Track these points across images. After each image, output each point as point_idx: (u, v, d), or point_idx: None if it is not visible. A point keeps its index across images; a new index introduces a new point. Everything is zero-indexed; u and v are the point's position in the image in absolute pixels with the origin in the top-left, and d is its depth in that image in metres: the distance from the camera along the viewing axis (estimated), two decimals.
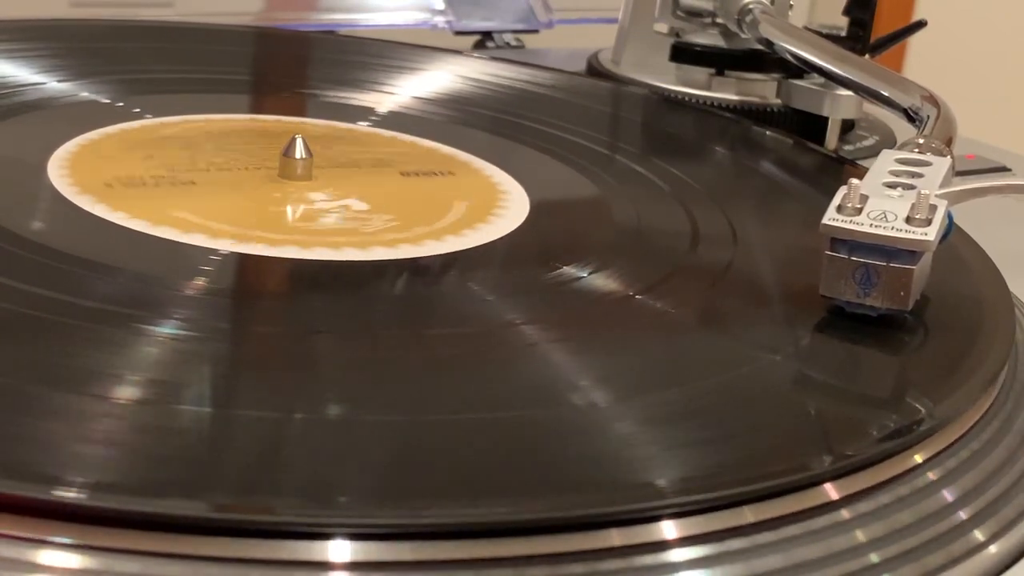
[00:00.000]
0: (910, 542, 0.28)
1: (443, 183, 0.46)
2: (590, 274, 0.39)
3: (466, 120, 0.54)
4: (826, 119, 0.57)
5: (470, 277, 0.39)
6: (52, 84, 0.51)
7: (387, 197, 0.44)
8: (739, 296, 0.39)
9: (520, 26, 0.78)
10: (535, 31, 0.79)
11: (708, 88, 0.61)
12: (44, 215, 0.40)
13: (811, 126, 0.58)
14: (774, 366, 0.34)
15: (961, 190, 0.40)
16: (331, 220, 0.41)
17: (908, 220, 0.35)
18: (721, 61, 0.61)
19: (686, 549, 0.26)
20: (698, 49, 0.61)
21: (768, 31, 0.58)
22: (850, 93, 0.56)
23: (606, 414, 0.31)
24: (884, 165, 0.40)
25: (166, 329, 0.32)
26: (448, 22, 0.76)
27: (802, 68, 0.58)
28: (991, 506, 0.30)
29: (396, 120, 0.53)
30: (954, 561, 0.28)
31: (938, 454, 0.31)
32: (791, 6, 0.63)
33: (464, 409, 0.30)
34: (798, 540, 0.27)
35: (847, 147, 0.59)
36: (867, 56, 0.61)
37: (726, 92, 0.60)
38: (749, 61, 0.60)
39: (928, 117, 0.47)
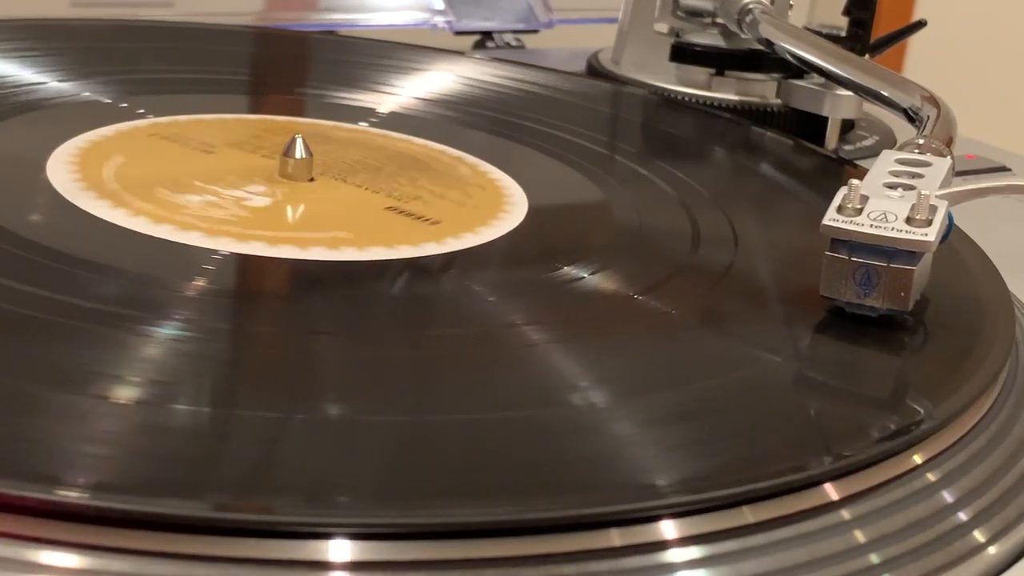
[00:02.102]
0: (910, 543, 0.28)
1: (442, 184, 0.46)
2: (590, 275, 0.39)
3: (466, 120, 0.54)
4: (826, 119, 0.57)
5: (470, 277, 0.39)
6: (52, 84, 0.51)
7: (386, 197, 0.44)
8: (739, 297, 0.39)
9: (520, 26, 0.78)
10: (535, 31, 0.79)
11: (708, 88, 0.61)
12: (44, 215, 0.40)
13: (811, 126, 0.58)
14: (774, 367, 0.34)
15: (961, 190, 0.40)
16: (330, 220, 0.41)
17: (908, 221, 0.35)
18: (721, 61, 0.61)
19: (686, 549, 0.26)
20: (698, 49, 0.61)
21: (768, 31, 0.58)
22: (850, 93, 0.56)
23: (606, 414, 0.31)
24: (884, 166, 0.40)
25: (166, 329, 0.32)
26: (448, 22, 0.76)
27: (802, 68, 0.58)
28: (991, 507, 0.30)
29: (396, 120, 0.53)
30: (954, 562, 0.28)
31: (938, 455, 0.31)
32: (791, 6, 0.63)
33: (464, 409, 0.30)
34: (798, 540, 0.27)
35: (847, 147, 0.59)
36: (867, 56, 0.61)
37: (726, 92, 0.60)
38: (749, 61, 0.60)
39: (928, 117, 0.47)
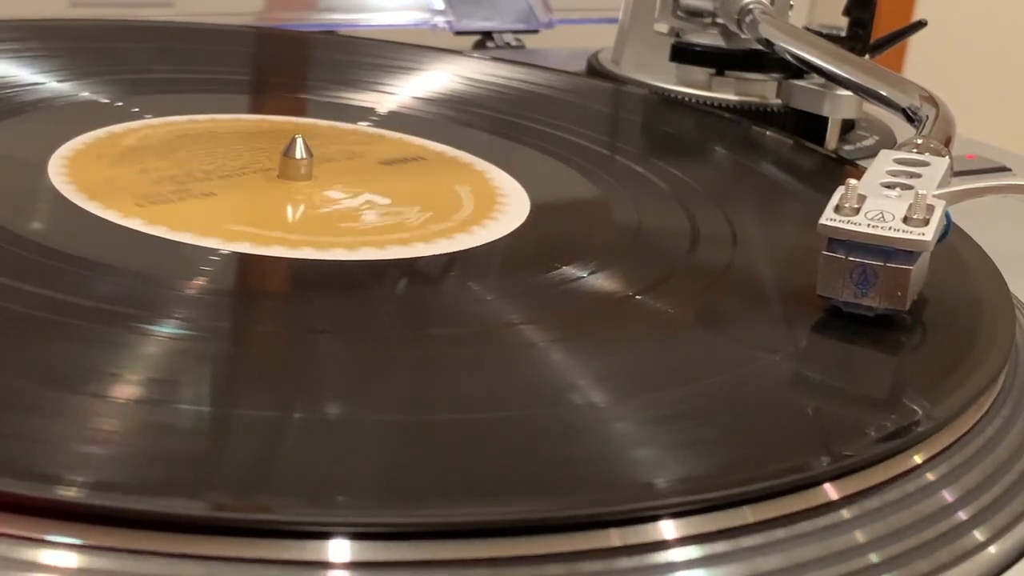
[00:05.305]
0: (909, 542, 0.28)
1: (442, 184, 0.46)
2: (590, 274, 0.39)
3: (466, 120, 0.54)
4: (826, 119, 0.57)
5: (470, 277, 0.39)
6: (52, 84, 0.51)
7: (387, 198, 0.44)
8: (738, 296, 0.39)
9: (520, 26, 0.78)
10: (535, 31, 0.79)
11: (708, 88, 0.61)
12: (44, 215, 0.40)
13: (811, 126, 0.58)
14: (773, 366, 0.34)
15: (959, 190, 0.40)
16: (328, 221, 0.41)
17: (905, 220, 0.35)
18: (721, 61, 0.61)
19: (686, 549, 0.26)
20: (698, 49, 0.61)
21: (768, 31, 0.58)
22: (850, 93, 0.56)
23: (605, 414, 0.31)
24: (882, 165, 0.40)
25: (166, 329, 0.32)
26: (448, 22, 0.76)
27: (802, 68, 0.58)
28: (991, 506, 0.30)
29: (396, 120, 0.53)
30: (954, 561, 0.28)
31: (938, 455, 0.31)
32: (791, 6, 0.63)
33: (463, 409, 0.30)
34: (798, 540, 0.27)
35: (847, 147, 0.59)
36: (867, 56, 0.61)
37: (726, 92, 0.60)
38: (749, 61, 0.60)
39: (927, 117, 0.47)
